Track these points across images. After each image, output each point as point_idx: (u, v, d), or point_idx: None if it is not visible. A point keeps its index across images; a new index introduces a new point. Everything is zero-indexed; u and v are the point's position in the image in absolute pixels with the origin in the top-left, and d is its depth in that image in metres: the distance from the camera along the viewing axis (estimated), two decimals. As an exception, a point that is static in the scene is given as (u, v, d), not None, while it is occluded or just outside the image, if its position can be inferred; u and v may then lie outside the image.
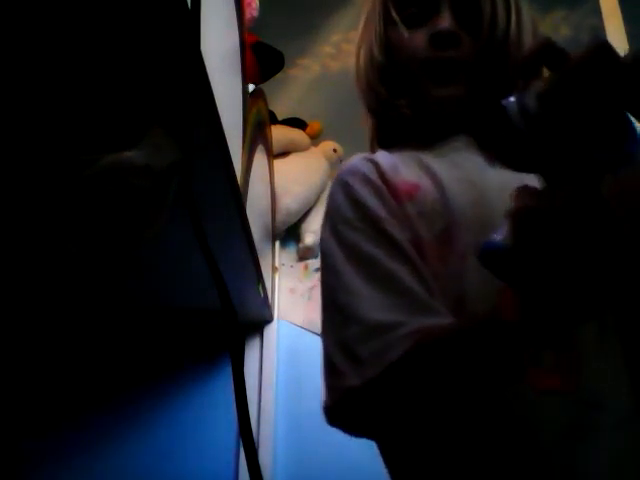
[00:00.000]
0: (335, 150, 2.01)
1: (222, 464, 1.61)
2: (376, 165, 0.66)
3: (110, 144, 0.50)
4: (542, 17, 1.88)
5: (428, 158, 0.67)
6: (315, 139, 2.04)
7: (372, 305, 0.56)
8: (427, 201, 0.62)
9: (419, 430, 0.59)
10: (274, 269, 1.85)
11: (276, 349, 1.76)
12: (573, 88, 0.37)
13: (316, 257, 1.87)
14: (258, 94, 1.49)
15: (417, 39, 0.69)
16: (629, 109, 0.37)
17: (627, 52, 0.37)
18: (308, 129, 2.02)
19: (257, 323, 1.78)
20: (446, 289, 0.58)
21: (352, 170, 0.67)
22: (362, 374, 0.54)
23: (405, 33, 0.70)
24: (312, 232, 1.87)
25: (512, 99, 0.39)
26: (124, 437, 1.63)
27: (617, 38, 1.71)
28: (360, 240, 0.61)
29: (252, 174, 1.22)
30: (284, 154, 1.95)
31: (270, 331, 1.78)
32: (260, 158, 1.46)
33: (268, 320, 1.78)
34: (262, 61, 1.53)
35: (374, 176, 0.65)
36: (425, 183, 0.64)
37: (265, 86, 1.61)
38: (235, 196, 0.92)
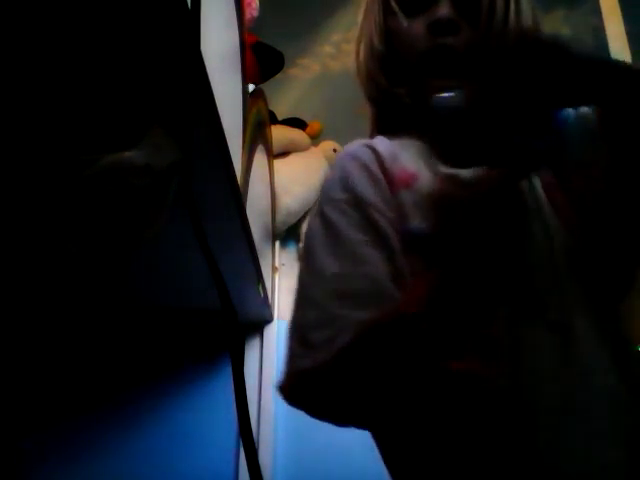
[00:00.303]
0: (335, 150, 2.01)
1: (222, 464, 1.61)
2: (376, 153, 0.67)
3: (110, 144, 0.49)
4: (542, 17, 1.88)
5: (427, 147, 0.68)
6: (315, 139, 2.04)
7: (331, 289, 0.59)
8: (424, 192, 0.62)
9: (393, 417, 0.61)
10: (274, 269, 1.85)
11: (276, 349, 1.76)
12: (496, 80, 0.38)
13: (316, 257, 1.86)
14: (258, 94, 1.49)
15: (416, 27, 0.69)
16: (555, 100, 0.38)
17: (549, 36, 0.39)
18: (308, 129, 2.02)
19: (257, 323, 1.78)
20: None
21: (352, 155, 0.68)
22: (314, 358, 0.57)
23: (404, 22, 0.70)
24: (312, 232, 1.87)
25: (445, 95, 0.40)
26: (124, 437, 1.63)
27: (617, 38, 1.71)
28: (342, 222, 0.63)
29: (252, 174, 1.22)
30: (284, 154, 1.95)
31: (270, 331, 1.79)
32: (260, 158, 1.46)
33: (268, 320, 1.78)
34: (262, 61, 1.53)
35: (374, 166, 0.66)
36: (424, 174, 0.65)
37: (265, 86, 1.61)
38: (235, 196, 0.91)
